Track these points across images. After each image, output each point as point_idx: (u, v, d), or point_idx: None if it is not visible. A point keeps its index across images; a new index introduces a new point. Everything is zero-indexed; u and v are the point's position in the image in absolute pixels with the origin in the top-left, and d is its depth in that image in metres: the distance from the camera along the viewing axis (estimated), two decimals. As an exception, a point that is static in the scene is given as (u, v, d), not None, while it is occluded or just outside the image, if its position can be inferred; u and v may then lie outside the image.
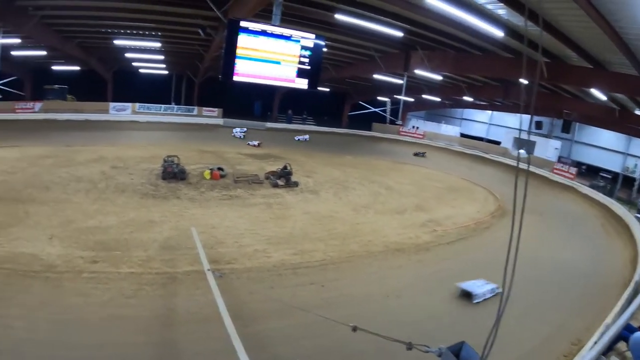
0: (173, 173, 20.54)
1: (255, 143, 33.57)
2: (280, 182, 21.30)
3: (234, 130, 36.33)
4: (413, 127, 45.88)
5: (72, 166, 21.81)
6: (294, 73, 14.06)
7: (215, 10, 17.93)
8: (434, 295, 12.33)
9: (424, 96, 41.40)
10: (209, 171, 21.24)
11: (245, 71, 13.36)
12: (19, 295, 10.56)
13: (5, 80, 34.72)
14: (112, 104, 36.66)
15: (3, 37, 23.43)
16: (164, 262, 12.38)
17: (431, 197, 23.66)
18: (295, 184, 21.54)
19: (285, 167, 21.98)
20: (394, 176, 27.52)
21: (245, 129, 36.82)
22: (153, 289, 11.05)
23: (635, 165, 36.69)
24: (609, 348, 7.09)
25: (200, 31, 22.55)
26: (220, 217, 16.46)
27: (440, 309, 11.69)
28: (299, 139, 38.67)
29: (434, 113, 54.94)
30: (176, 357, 8.70)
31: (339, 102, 47.24)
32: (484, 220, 20.47)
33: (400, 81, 32.49)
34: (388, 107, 46.66)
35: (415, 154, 38.26)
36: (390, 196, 22.43)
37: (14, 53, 30.38)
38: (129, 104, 36.78)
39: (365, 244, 15.42)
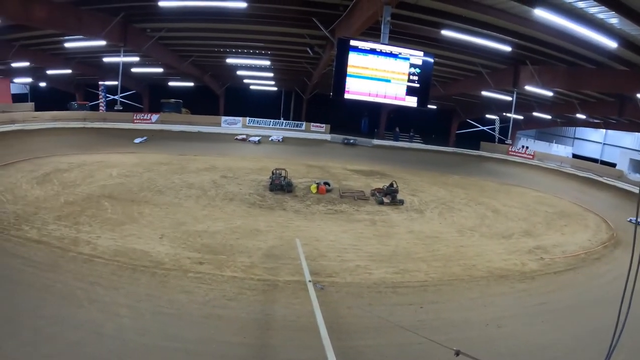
0: (280, 185, 21.34)
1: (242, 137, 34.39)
2: (385, 200, 21.15)
3: (251, 139, 37.20)
4: (522, 146, 43.12)
5: (185, 173, 23.53)
6: (404, 91, 13.97)
7: (322, 29, 18.56)
8: (536, 328, 11.45)
9: (534, 114, 38.89)
10: (315, 185, 21.71)
11: (355, 89, 13.52)
12: (128, 287, 11.56)
13: (126, 94, 38.61)
14: (223, 118, 39.56)
15: (124, 56, 25.99)
16: (266, 270, 12.82)
17: (540, 222, 22.08)
18: (401, 202, 21.26)
19: (391, 185, 21.81)
20: (501, 198, 26.15)
21: (259, 138, 37.54)
22: (253, 293, 11.48)
23: None
24: None
25: (308, 49, 23.41)
26: (325, 230, 16.69)
27: (542, 344, 10.80)
28: (272, 139, 38.51)
29: (544, 132, 51.13)
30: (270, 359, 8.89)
31: (446, 119, 45.81)
32: (595, 250, 18.74)
33: (509, 98, 31.03)
34: (497, 126, 44.49)
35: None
36: (497, 219, 21.31)
37: (133, 70, 34.14)
38: (240, 118, 39.44)
39: (469, 267, 14.75)
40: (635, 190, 27.66)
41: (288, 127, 39.96)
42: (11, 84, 39.10)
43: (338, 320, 10.28)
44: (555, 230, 20.92)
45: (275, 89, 42.77)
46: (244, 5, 16.81)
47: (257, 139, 37.14)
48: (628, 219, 22.94)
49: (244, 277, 12.27)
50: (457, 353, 5.67)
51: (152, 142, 33.05)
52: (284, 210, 18.87)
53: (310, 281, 11.41)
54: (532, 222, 21.84)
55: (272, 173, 22.11)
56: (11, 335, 9.26)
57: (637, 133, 38.63)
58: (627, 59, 17.79)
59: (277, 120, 40.61)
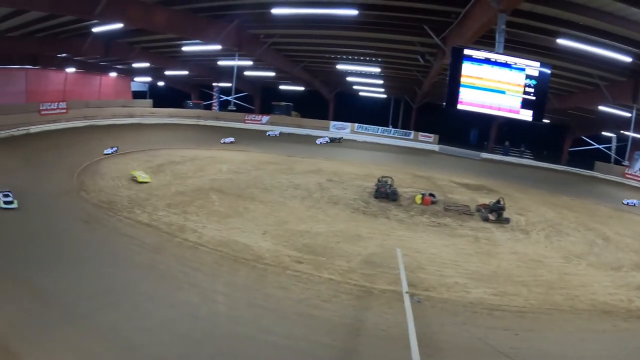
0: (385, 193, 21.15)
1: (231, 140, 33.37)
2: (491, 217, 20.13)
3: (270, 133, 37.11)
4: None
5: (292, 174, 24.16)
6: (519, 103, 13.23)
7: (434, 37, 18.11)
8: None
9: None
10: (420, 196, 21.24)
11: (469, 100, 13.11)
12: (227, 276, 12.14)
13: (238, 95, 40.47)
14: (332, 122, 40.27)
15: (238, 60, 27.25)
16: (363, 276, 12.73)
17: None
18: (507, 221, 20.10)
19: (498, 202, 20.72)
20: (613, 225, 23.66)
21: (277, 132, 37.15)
22: (348, 298, 11.45)
23: None
24: None
25: (419, 57, 23.00)
26: (426, 243, 16.28)
27: None
28: (269, 134, 37.56)
29: None
30: None
31: (558, 135, 42.12)
32: None
33: (628, 114, 27.95)
34: (613, 145, 40.01)
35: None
36: (607, 248, 19.30)
37: (246, 73, 35.98)
38: (348, 124, 39.87)
39: (571, 298, 13.50)
40: None
41: (396, 136, 39.66)
42: (132, 82, 43.19)
43: (430, 336, 9.95)
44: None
45: (384, 96, 42.68)
46: (354, 12, 16.98)
47: (275, 132, 38.04)
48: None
49: (341, 281, 12.30)
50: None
51: (261, 142, 34.42)
52: (387, 218, 18.68)
53: (407, 292, 11.24)
54: None
55: (378, 180, 22.00)
56: (112, 306, 10.07)
57: None
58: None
59: (385, 128, 40.53)
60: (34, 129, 28.84)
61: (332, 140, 37.36)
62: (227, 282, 11.66)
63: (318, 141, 36.31)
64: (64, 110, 32.21)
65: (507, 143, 40.62)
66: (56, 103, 31.93)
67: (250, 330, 9.49)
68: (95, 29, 22.17)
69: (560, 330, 11.62)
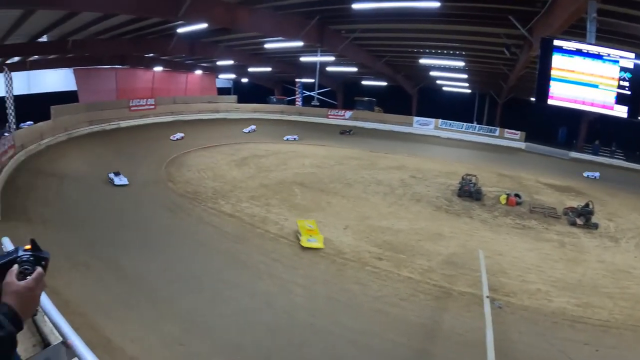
0: (469, 192, 20.52)
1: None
2: (578, 221, 18.88)
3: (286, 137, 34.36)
4: None
5: (374, 170, 24.13)
6: (613, 99, 12.23)
7: (520, 28, 17.14)
8: None
9: None
10: (505, 196, 20.43)
11: (560, 94, 12.29)
12: (306, 268, 12.43)
13: (321, 91, 40.66)
14: (415, 118, 39.49)
15: (320, 56, 27.31)
16: (443, 277, 12.50)
17: None
18: (595, 226, 18.76)
19: (587, 205, 19.36)
20: None
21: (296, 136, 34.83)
22: (426, 298, 11.31)
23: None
24: None
25: (504, 50, 21.89)
26: (509, 245, 15.64)
27: None
28: (287, 139, 34.16)
29: None
30: None
31: None
32: None
33: None
34: None
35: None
36: None
37: (328, 69, 35.86)
38: (432, 120, 38.93)
39: None
40: None
41: (481, 132, 38.06)
42: (217, 79, 44.74)
43: (508, 344, 9.58)
44: None
45: (468, 91, 41.08)
46: (437, 4, 16.44)
47: (250, 129, 35.75)
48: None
49: (420, 280, 12.15)
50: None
51: (344, 137, 34.76)
52: (470, 218, 18.14)
53: (488, 297, 10.91)
54: None
55: (462, 178, 21.37)
56: (194, 291, 10.68)
57: None
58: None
59: (469, 124, 39.07)
60: (124, 123, 31.26)
61: (343, 132, 36.99)
62: (307, 275, 11.94)
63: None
64: (152, 107, 34.57)
65: (596, 142, 37.83)
66: (145, 100, 34.41)
67: (325, 323, 9.67)
68: (180, 30, 22.94)
69: None
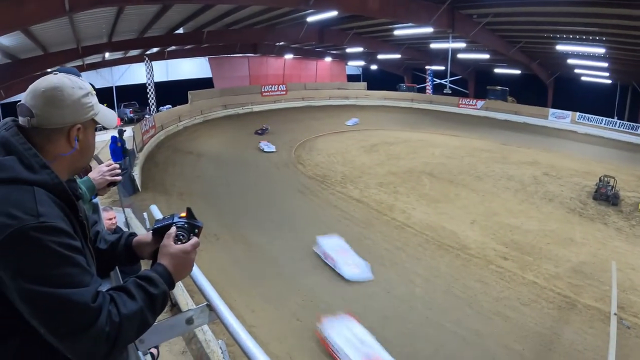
0: (606, 195, 18.68)
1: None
2: None
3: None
4: None
5: (506, 164, 23.04)
6: None
7: None
8: None
9: None
10: (643, 203, 18.48)
11: None
12: (429, 260, 12.55)
13: (452, 78, 38.90)
14: (551, 110, 36.12)
15: (452, 42, 26.07)
16: (569, 286, 11.84)
17: None
18: None
19: None
20: None
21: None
22: (549, 306, 10.86)
23: None
24: None
25: None
26: (644, 260, 14.32)
27: None
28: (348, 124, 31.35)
29: None
30: None
31: None
32: None
33: None
34: None
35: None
36: None
37: (459, 55, 34.05)
38: (569, 112, 35.22)
39: None
40: None
41: (623, 129, 33.72)
42: (346, 66, 44.91)
43: None
44: None
45: (608, 81, 36.39)
46: None
47: (353, 122, 33.02)
48: None
49: (545, 286, 11.65)
50: None
51: (475, 128, 33.23)
52: (605, 224, 16.64)
53: (615, 314, 10.23)
54: None
55: (600, 180, 19.50)
56: (316, 271, 11.27)
57: None
58: None
59: (610, 119, 34.60)
60: (256, 107, 33.34)
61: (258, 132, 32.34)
62: (428, 267, 12.08)
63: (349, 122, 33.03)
64: (284, 92, 36.37)
65: None
66: (276, 85, 36.32)
67: (441, 318, 9.82)
68: (309, 18, 23.07)
69: None
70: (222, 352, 4.31)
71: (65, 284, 1.21)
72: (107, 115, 1.63)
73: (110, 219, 5.64)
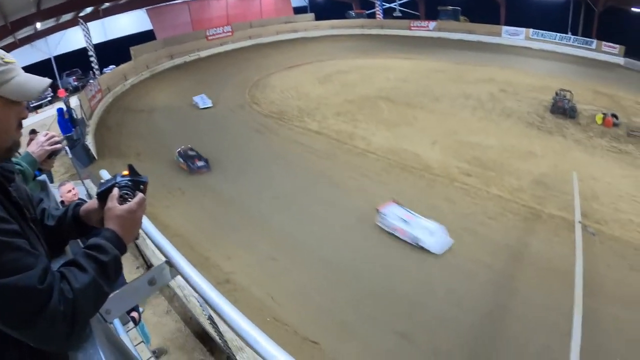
0: (563, 109, 18.75)
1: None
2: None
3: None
4: None
5: (462, 83, 22.64)
6: None
7: None
8: None
9: None
10: (602, 116, 18.64)
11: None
12: (395, 184, 12.25)
13: (403, 1, 37.74)
14: (504, 28, 35.51)
15: None
16: (533, 197, 11.86)
17: None
18: None
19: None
20: None
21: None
22: (515, 218, 10.88)
23: None
24: None
25: None
26: (603, 169, 14.43)
27: None
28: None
29: None
30: (508, 291, 8.51)
31: None
32: None
33: None
34: None
35: None
36: None
37: None
38: (523, 29, 34.71)
39: None
40: None
41: (576, 44, 33.95)
42: None
43: (594, 276, 9.04)
44: None
45: None
46: None
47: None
48: None
49: (509, 199, 11.64)
50: None
51: (428, 50, 32.17)
52: (563, 137, 16.77)
53: (580, 222, 10.28)
54: None
55: (556, 94, 19.55)
56: (285, 210, 10.96)
57: None
58: None
59: (564, 35, 34.75)
60: (203, 53, 31.33)
61: None
62: (395, 190, 11.78)
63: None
64: (230, 33, 34.17)
65: None
66: (221, 28, 34.10)
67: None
68: None
69: None
70: (200, 305, 3.92)
71: (9, 270, 1.11)
72: (22, 85, 1.34)
73: (70, 191, 5.29)
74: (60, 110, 15.63)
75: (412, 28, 37.24)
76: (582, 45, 33.61)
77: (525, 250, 9.75)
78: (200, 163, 13.34)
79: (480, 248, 9.52)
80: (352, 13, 42.16)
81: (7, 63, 1.32)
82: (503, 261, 9.29)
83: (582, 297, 7.78)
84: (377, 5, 41.78)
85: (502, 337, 7.54)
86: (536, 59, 30.68)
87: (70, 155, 9.26)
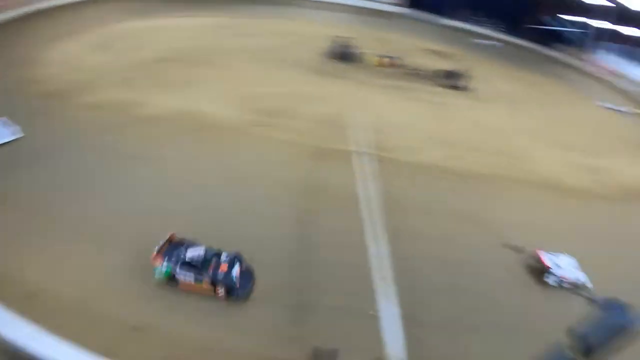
0: (345, 54, 19.85)
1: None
2: (449, 83, 19.46)
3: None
4: (602, 59, 36.06)
5: (247, 37, 22.12)
6: None
7: None
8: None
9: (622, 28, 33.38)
10: (378, 58, 20.16)
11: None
12: (192, 148, 11.52)
13: None
14: None
15: None
16: (321, 137, 12.33)
17: (606, 144, 19.64)
18: (465, 89, 19.52)
19: (457, 70, 19.95)
20: (576, 108, 23.15)
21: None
22: (308, 158, 11.23)
23: None
24: None
25: None
26: (383, 105, 15.68)
27: None
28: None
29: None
30: (314, 224, 8.80)
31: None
32: None
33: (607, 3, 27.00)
34: (578, 30, 37.57)
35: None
36: (563, 128, 18.72)
37: None
38: None
39: (522, 170, 13.48)
40: None
41: None
42: None
43: (390, 196, 9.93)
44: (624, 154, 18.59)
45: None
46: None
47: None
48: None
49: (300, 142, 11.92)
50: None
51: (214, 5, 29.16)
52: (346, 79, 17.66)
53: (364, 152, 10.93)
54: (599, 142, 19.29)
55: (336, 41, 20.56)
56: (84, 189, 9.64)
57: None
58: None
59: None
60: None
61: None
62: (193, 155, 11.20)
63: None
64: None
65: (480, 14, 37.64)
66: None
67: (223, 199, 9.37)
68: None
69: (511, 198, 11.80)
70: None
71: None
72: None
73: None
74: None
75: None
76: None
77: (321, 185, 10.14)
78: None
79: (279, 191, 9.66)
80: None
81: None
82: (304, 198, 9.58)
83: (377, 212, 8.22)
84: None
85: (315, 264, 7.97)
86: (325, 11, 31.37)
87: None
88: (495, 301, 7.91)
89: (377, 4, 35.13)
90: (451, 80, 19.49)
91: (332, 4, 33.40)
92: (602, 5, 25.92)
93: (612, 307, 5.71)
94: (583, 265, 8.73)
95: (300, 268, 7.92)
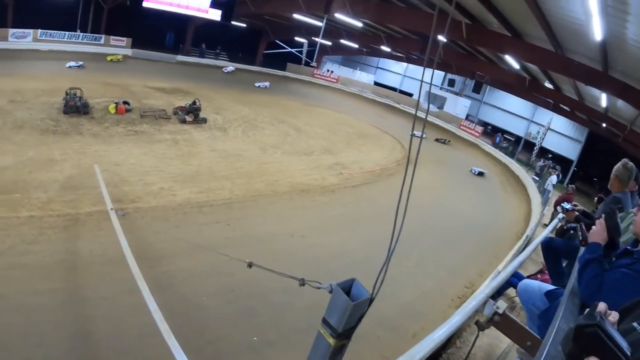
0: (76, 107, 18.58)
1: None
2: (188, 118, 20.29)
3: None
4: (328, 70, 43.81)
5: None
6: (208, 3, 12.78)
7: None
8: (336, 236, 12.54)
9: (342, 41, 41.29)
10: (114, 105, 19.72)
11: (156, -3, 11.98)
12: None
13: None
14: (11, 31, 31.74)
15: None
16: (65, 204, 11.63)
17: (340, 141, 23.71)
18: (204, 121, 20.63)
19: (194, 103, 20.91)
20: (304, 118, 27.01)
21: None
22: (55, 232, 10.45)
23: (538, 132, 37.63)
24: (499, 293, 7.38)
25: None
26: (125, 153, 15.60)
27: (341, 250, 11.87)
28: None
29: (350, 59, 54.82)
30: (82, 302, 8.39)
31: (254, 39, 44.03)
32: (389, 167, 20.88)
33: (319, 23, 31.86)
34: (305, 49, 43.44)
35: (437, 140, 32.37)
36: (299, 137, 22.19)
37: None
38: (30, 31, 31.70)
39: (271, 183, 15.39)
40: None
41: (85, 41, 33.69)
42: None
43: (146, 247, 10.13)
44: (354, 149, 22.49)
45: None
46: None
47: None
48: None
49: (43, 216, 10.97)
50: (250, 265, 5.39)
51: None
52: (81, 134, 16.83)
53: (112, 209, 10.76)
54: (333, 140, 23.16)
55: (66, 94, 19.06)
56: None
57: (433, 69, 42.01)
58: (433, 2, 19.05)
59: (73, 33, 33.93)
60: None
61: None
62: None
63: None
64: None
65: (203, 45, 39.58)
66: None
67: None
68: None
69: (267, 212, 13.16)
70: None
71: None
72: None
73: None
74: None
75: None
76: (91, 42, 33.72)
77: (78, 257, 9.62)
78: None
79: (33, 278, 8.70)
80: None
81: None
82: (63, 277, 8.92)
83: (139, 268, 8.09)
84: None
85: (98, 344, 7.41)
86: (46, 61, 28.82)
87: None
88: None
89: (104, 47, 33.77)
90: (189, 115, 20.29)
91: (58, 52, 30.68)
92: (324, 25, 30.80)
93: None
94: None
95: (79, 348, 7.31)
